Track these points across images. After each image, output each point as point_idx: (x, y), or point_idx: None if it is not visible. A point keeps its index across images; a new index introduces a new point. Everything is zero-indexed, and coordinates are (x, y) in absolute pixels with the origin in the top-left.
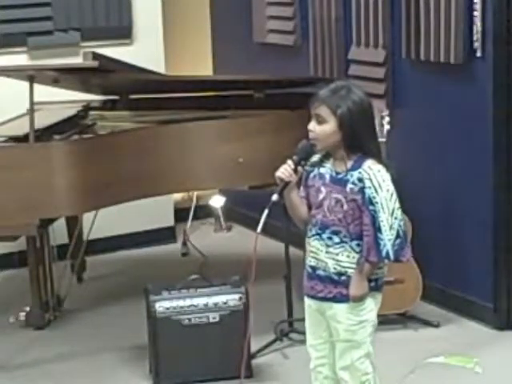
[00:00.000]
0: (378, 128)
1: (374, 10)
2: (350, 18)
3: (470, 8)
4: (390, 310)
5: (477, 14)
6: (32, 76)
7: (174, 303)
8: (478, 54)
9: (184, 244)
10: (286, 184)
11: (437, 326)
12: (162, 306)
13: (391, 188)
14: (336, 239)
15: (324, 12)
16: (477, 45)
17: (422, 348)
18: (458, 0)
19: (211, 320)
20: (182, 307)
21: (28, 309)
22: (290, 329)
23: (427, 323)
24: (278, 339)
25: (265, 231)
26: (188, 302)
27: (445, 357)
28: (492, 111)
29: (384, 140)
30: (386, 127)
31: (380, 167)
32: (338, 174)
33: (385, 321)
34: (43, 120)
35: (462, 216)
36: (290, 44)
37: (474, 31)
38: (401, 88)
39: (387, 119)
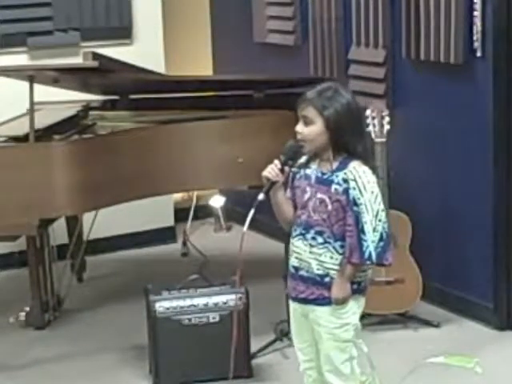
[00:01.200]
0: (377, 128)
1: (374, 10)
2: (350, 17)
3: (470, 8)
4: (390, 309)
5: (477, 13)
6: (32, 76)
7: (174, 303)
8: (478, 53)
9: (184, 244)
10: (273, 184)
11: (437, 326)
12: (162, 305)
13: (376, 190)
14: (320, 239)
15: (324, 12)
16: (477, 45)
17: (421, 348)
18: (458, 0)
19: (211, 320)
20: (182, 307)
21: (28, 309)
22: (289, 329)
23: (427, 323)
24: (278, 339)
25: (264, 231)
26: (188, 301)
27: (445, 357)
28: (492, 111)
29: (384, 140)
30: (386, 127)
31: (365, 168)
32: (323, 174)
33: (385, 321)
34: (43, 120)
35: (462, 216)
36: (290, 44)
37: (474, 31)
38: (401, 88)
39: (387, 119)
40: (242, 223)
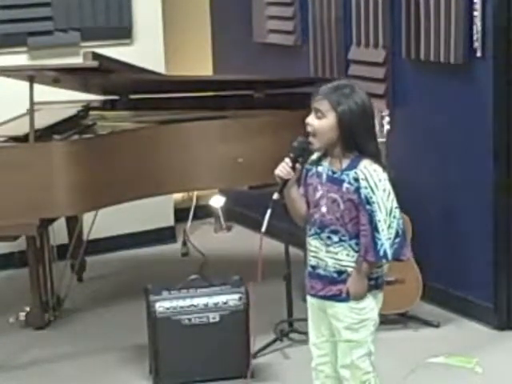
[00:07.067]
0: (377, 128)
1: (373, 10)
2: (350, 18)
3: (470, 8)
4: (390, 309)
5: (477, 14)
6: (32, 76)
7: (174, 303)
8: (478, 53)
9: (184, 244)
10: (286, 182)
11: (437, 326)
12: (162, 305)
13: (388, 187)
14: (335, 238)
15: (324, 12)
16: (477, 45)
17: (422, 348)
18: (458, 0)
19: (211, 320)
20: (181, 307)
21: (28, 309)
22: (290, 329)
23: (427, 323)
24: (278, 339)
25: (265, 231)
26: (188, 301)
27: (445, 357)
28: (492, 111)
29: (384, 140)
30: (386, 127)
31: (376, 167)
32: (334, 173)
33: (385, 321)
34: (43, 120)
35: (462, 216)
36: (290, 44)
37: (474, 31)
38: (401, 88)
39: (387, 119)
40: (242, 223)
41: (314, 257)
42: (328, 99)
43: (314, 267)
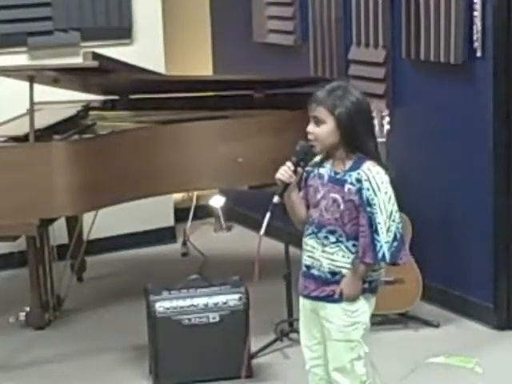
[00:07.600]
0: (377, 128)
1: (373, 10)
2: (350, 18)
3: (470, 8)
4: (391, 309)
5: (477, 14)
6: (32, 76)
7: (174, 303)
8: (478, 53)
9: (184, 244)
10: (286, 185)
11: (437, 326)
12: (162, 305)
13: (390, 190)
14: (332, 239)
15: (324, 12)
16: (477, 45)
17: (422, 348)
18: (458, 0)
19: (211, 320)
20: (181, 307)
21: (28, 309)
22: (290, 329)
23: (427, 323)
24: (278, 339)
25: (265, 231)
26: (188, 301)
27: (445, 357)
28: (492, 111)
29: (384, 140)
30: (386, 127)
31: (379, 169)
32: (336, 173)
33: (385, 321)
34: (43, 120)
35: (462, 216)
36: (290, 44)
37: (474, 31)
38: (401, 88)
39: (387, 119)
40: (242, 223)
41: (309, 257)
42: (323, 105)
43: (308, 267)
